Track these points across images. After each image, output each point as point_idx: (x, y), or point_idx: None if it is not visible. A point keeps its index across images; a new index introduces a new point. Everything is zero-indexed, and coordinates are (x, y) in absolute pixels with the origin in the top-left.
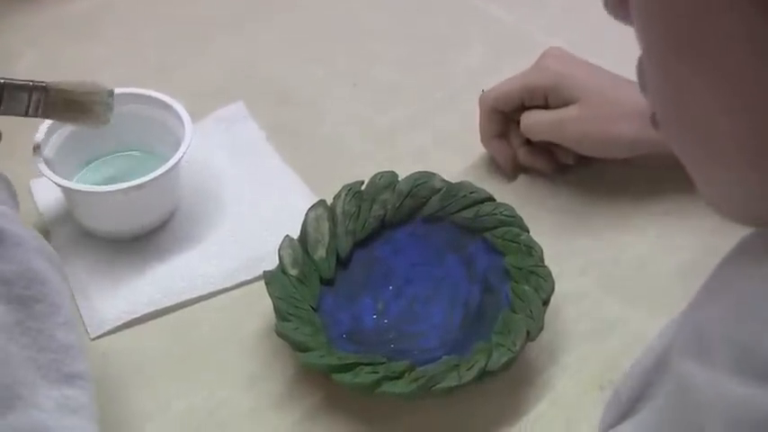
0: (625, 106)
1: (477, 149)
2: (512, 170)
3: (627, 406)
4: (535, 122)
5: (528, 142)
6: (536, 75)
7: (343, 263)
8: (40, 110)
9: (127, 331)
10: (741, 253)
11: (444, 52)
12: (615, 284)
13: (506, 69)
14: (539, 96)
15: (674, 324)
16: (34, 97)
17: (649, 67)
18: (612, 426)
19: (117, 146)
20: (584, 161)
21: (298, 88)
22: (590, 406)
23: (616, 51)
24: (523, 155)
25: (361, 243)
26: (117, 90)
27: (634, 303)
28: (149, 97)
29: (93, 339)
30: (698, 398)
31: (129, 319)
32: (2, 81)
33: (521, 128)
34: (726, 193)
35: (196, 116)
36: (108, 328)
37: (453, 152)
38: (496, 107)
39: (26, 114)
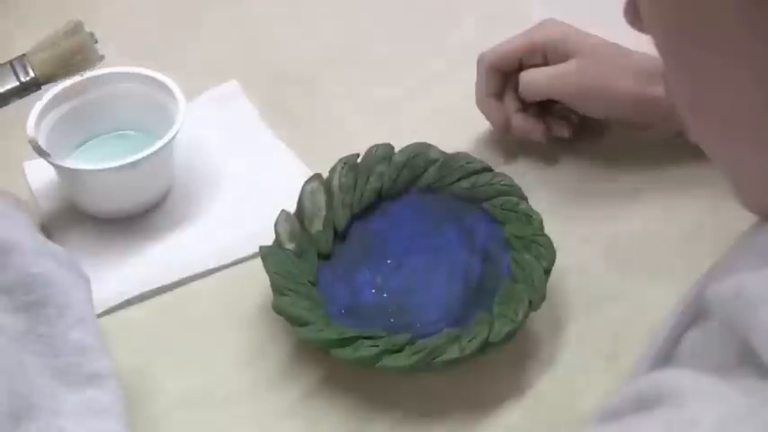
0: (626, 63)
1: (475, 122)
2: (504, 130)
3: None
4: (533, 79)
5: (524, 109)
6: (536, 31)
7: (340, 236)
8: (32, 77)
9: (122, 311)
10: None
11: (438, 25)
12: (616, 255)
13: (501, 40)
14: (538, 54)
15: (688, 298)
16: (18, 68)
17: (667, 63)
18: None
19: (111, 126)
20: (583, 133)
21: (292, 65)
22: (595, 378)
23: (613, 22)
24: (517, 121)
25: (359, 216)
26: (111, 69)
27: (636, 274)
28: (143, 76)
29: None
30: None
31: (125, 298)
32: None
33: (519, 86)
34: (753, 180)
35: (190, 95)
36: (103, 308)
37: (451, 125)
38: (494, 65)
39: (25, 89)
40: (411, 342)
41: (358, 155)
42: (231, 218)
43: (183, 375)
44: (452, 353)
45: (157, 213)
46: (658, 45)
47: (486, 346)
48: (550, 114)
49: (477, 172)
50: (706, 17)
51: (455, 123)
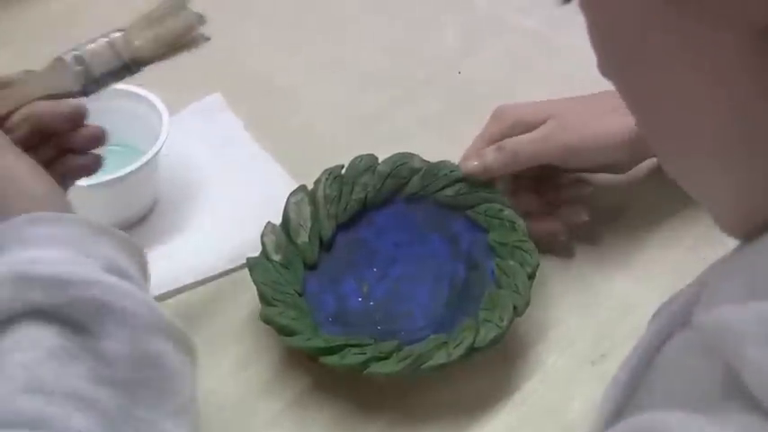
0: (602, 104)
1: (457, 131)
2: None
3: (626, 391)
4: (517, 147)
5: (515, 190)
6: (493, 124)
7: (326, 246)
8: (134, 57)
9: None
10: None
11: (419, 36)
12: (600, 256)
13: (482, 51)
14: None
15: (673, 305)
16: (119, 46)
17: (625, 99)
18: (614, 409)
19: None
20: None
21: (275, 76)
22: (582, 381)
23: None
24: (534, 225)
25: (344, 226)
26: None
27: (620, 275)
28: (126, 91)
29: None
30: None
31: None
32: (76, 52)
33: (503, 158)
34: (724, 202)
35: (174, 108)
36: None
37: (433, 135)
38: (471, 172)
39: (124, 70)
40: (398, 349)
41: (342, 166)
42: (217, 230)
43: None
44: (439, 358)
45: (143, 228)
46: (614, 83)
47: (472, 352)
48: (564, 201)
49: (460, 180)
50: (633, 37)
51: (439, 132)
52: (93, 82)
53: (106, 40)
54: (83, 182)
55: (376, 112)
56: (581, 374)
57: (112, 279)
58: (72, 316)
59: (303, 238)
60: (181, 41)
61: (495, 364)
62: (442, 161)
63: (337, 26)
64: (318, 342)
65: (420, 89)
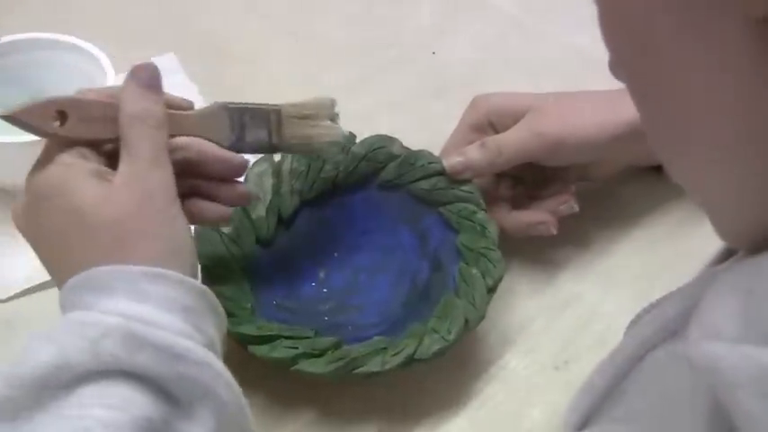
0: (581, 98)
1: (428, 113)
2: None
3: (601, 397)
4: (501, 145)
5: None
6: (471, 112)
7: (285, 224)
8: (274, 136)
9: (35, 295)
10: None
11: (392, 9)
12: (568, 261)
13: (458, 29)
14: (489, 131)
15: (655, 316)
16: (272, 119)
17: (637, 104)
18: (586, 414)
19: (30, 95)
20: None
21: (235, 41)
22: (543, 387)
23: (570, 12)
24: (522, 218)
25: (309, 204)
26: (27, 35)
27: (587, 281)
28: (67, 44)
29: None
30: None
31: (39, 282)
32: (243, 105)
33: (486, 156)
34: (728, 210)
35: (122, 67)
36: (14, 291)
37: (402, 116)
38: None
39: (265, 149)
40: (335, 347)
41: None
42: None
43: None
44: (373, 366)
45: None
46: (623, 80)
47: (411, 362)
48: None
49: (438, 173)
50: (641, 27)
51: (407, 114)
52: (240, 142)
53: (265, 109)
54: (8, 138)
55: (341, 89)
56: (543, 380)
57: (219, 364)
58: (172, 390)
59: (260, 212)
60: (317, 145)
61: (454, 365)
62: (421, 150)
63: None
64: (250, 329)
65: (391, 67)
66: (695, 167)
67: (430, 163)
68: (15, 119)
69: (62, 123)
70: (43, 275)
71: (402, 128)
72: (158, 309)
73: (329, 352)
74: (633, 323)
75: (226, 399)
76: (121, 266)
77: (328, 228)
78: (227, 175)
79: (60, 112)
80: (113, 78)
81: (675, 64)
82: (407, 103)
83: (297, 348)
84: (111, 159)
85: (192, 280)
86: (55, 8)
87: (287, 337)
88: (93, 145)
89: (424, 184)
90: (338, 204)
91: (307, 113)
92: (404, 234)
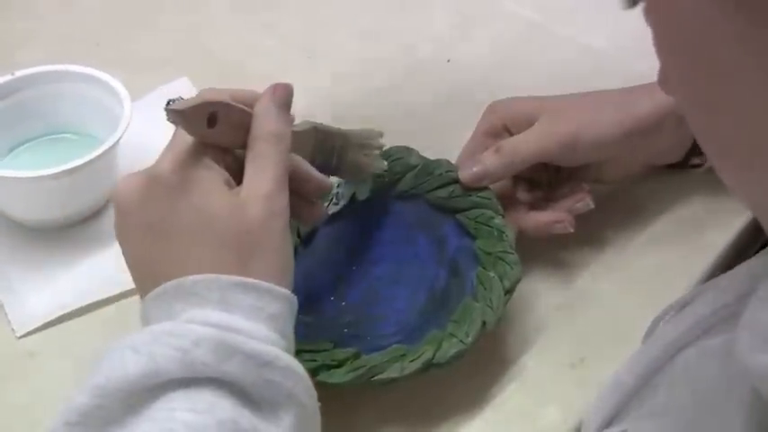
0: (594, 99)
1: (445, 122)
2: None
3: (630, 395)
4: (516, 146)
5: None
6: (488, 117)
7: (305, 238)
8: (336, 159)
9: (56, 328)
10: None
11: (407, 20)
12: (584, 260)
13: (472, 35)
14: (505, 135)
15: (687, 314)
16: (338, 143)
17: (680, 99)
18: (612, 412)
19: (46, 128)
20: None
21: (247, 61)
22: (560, 386)
23: (585, 17)
24: (539, 218)
25: (329, 219)
26: (41, 68)
27: (604, 279)
28: (83, 74)
29: (20, 338)
30: None
31: (59, 314)
32: (323, 127)
33: (502, 158)
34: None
35: (136, 94)
36: (35, 324)
37: (419, 126)
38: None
39: (329, 170)
40: (355, 357)
41: None
42: None
43: None
44: (392, 372)
45: (96, 222)
46: (676, 97)
47: (429, 367)
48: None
49: (455, 181)
50: (711, 51)
51: (424, 124)
52: (313, 162)
53: (336, 133)
54: (30, 173)
55: (357, 101)
56: (561, 379)
57: (301, 369)
58: (256, 395)
59: None
60: (365, 179)
61: (472, 367)
62: (438, 159)
63: (315, 7)
64: None
65: (406, 77)
66: (750, 180)
67: (447, 171)
68: (182, 114)
69: (210, 125)
70: (61, 310)
71: (418, 137)
72: (246, 318)
73: (348, 362)
74: (656, 321)
75: (305, 401)
76: (215, 276)
77: (346, 242)
78: (313, 195)
79: (213, 114)
80: (130, 107)
81: (734, 86)
82: (423, 113)
83: (316, 361)
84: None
85: (279, 288)
86: (65, 39)
87: (307, 351)
88: (224, 151)
89: (442, 193)
90: (356, 217)
91: (363, 142)
92: (421, 243)
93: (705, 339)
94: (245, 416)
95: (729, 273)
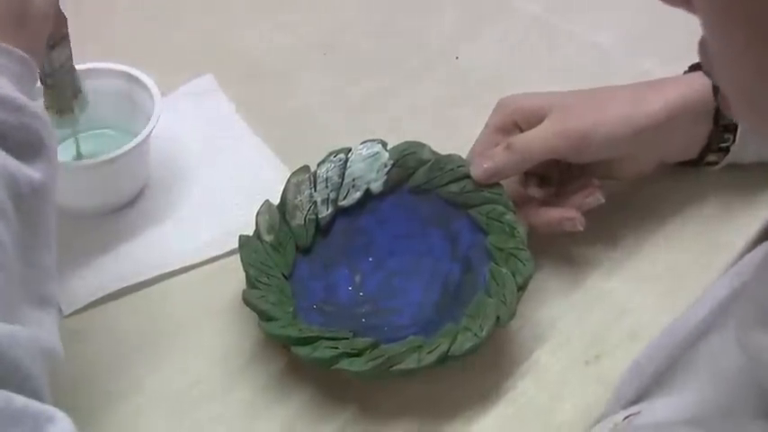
0: (603, 95)
1: (454, 119)
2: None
3: (651, 379)
4: (527, 142)
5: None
6: (497, 114)
7: (323, 231)
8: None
9: (99, 308)
10: None
11: (417, 18)
12: (597, 257)
13: (481, 33)
14: (515, 131)
15: (707, 303)
16: (69, 48)
17: (721, 51)
18: (633, 400)
19: (88, 124)
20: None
21: (267, 59)
22: (575, 381)
23: (595, 15)
24: (548, 215)
25: (345, 212)
26: (87, 65)
27: (617, 276)
28: (117, 72)
29: (66, 317)
30: None
31: (101, 295)
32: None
33: (512, 156)
34: None
35: (165, 90)
36: (80, 305)
37: (429, 123)
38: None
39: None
40: (373, 346)
41: (349, 149)
42: (207, 214)
43: (159, 373)
44: (410, 363)
45: (133, 210)
46: (708, 28)
47: (446, 359)
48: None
49: (466, 176)
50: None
51: (434, 121)
52: None
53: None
54: (74, 163)
55: (370, 98)
56: (574, 374)
57: (48, 117)
58: (15, 139)
59: (298, 220)
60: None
61: (486, 362)
62: (450, 154)
63: (330, 7)
64: (292, 331)
65: (416, 75)
66: None
67: (459, 166)
68: None
69: None
70: (102, 291)
71: (430, 133)
72: None
73: (367, 351)
74: (680, 321)
75: (53, 146)
76: None
77: (363, 234)
78: None
79: None
80: (160, 102)
81: None
82: (434, 109)
83: (337, 348)
84: None
85: (19, 51)
86: (94, 37)
87: (327, 339)
88: None
89: (454, 188)
90: (371, 211)
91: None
92: (435, 237)
93: (723, 325)
94: (9, 160)
95: (748, 255)
